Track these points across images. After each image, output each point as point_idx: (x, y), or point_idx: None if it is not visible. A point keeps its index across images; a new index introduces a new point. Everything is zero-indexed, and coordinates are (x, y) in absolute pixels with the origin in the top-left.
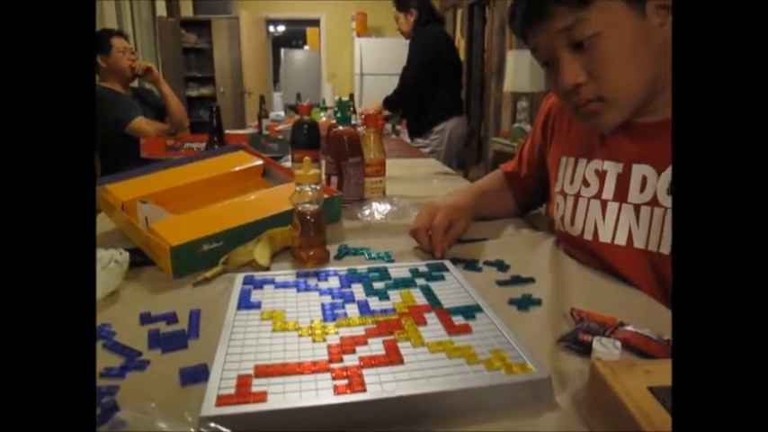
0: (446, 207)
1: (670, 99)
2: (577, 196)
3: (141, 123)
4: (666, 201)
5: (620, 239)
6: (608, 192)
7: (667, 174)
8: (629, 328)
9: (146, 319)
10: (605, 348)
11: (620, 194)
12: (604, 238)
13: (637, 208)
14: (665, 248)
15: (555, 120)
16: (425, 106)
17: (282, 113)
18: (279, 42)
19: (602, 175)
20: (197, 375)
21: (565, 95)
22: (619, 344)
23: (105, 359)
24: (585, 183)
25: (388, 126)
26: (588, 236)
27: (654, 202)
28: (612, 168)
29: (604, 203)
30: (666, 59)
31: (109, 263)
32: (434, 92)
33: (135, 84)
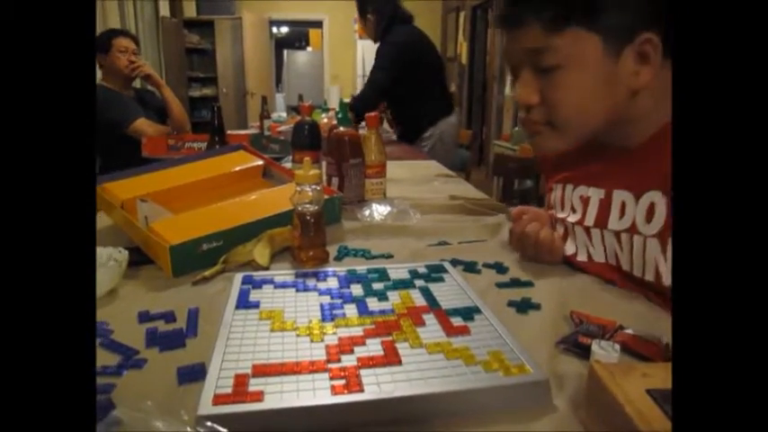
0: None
1: (642, 126)
2: (564, 221)
3: (143, 125)
4: (645, 228)
5: (612, 262)
6: (590, 218)
7: (645, 200)
8: (628, 331)
9: (144, 317)
10: (604, 351)
11: (601, 221)
12: (598, 258)
13: (617, 235)
14: (650, 275)
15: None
16: (412, 113)
17: (284, 114)
18: (282, 43)
19: (585, 202)
20: (194, 374)
21: (519, 107)
22: (618, 347)
23: (102, 357)
24: (573, 209)
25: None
26: (582, 257)
27: (633, 229)
28: (595, 195)
29: (587, 230)
30: (635, 102)
31: (107, 261)
32: (419, 97)
33: (138, 84)
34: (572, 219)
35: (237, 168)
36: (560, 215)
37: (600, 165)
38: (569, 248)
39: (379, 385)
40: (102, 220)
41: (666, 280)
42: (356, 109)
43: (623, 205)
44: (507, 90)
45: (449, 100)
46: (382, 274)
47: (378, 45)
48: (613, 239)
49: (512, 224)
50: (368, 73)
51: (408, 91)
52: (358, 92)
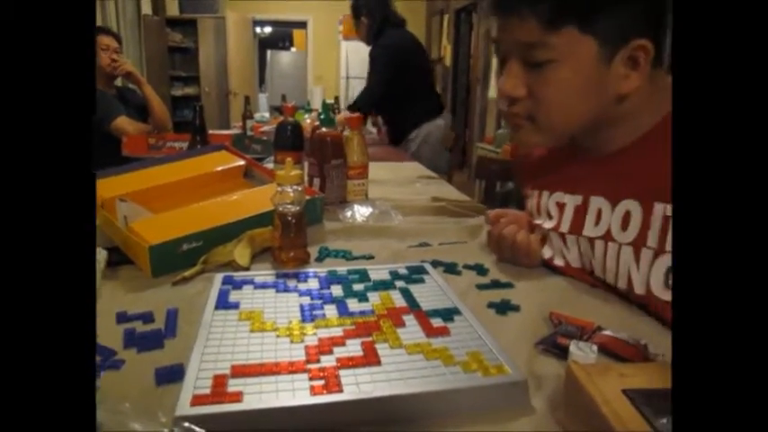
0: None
1: (623, 133)
2: (540, 228)
3: (123, 123)
4: (620, 236)
5: (587, 267)
6: (565, 225)
7: (620, 207)
8: (606, 332)
9: (122, 318)
10: (582, 352)
11: (576, 227)
12: (575, 263)
13: (591, 241)
14: (623, 283)
15: (523, 159)
16: (399, 115)
17: (267, 115)
18: (265, 43)
19: (561, 208)
20: (173, 375)
21: (501, 99)
22: (595, 348)
23: None
24: (549, 215)
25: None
26: (559, 262)
27: (608, 236)
28: (571, 201)
29: (563, 236)
30: (619, 108)
31: None
32: (406, 99)
33: (119, 83)
34: (548, 225)
35: (219, 168)
36: (537, 221)
37: (577, 170)
38: (546, 252)
39: (358, 385)
40: None
41: (638, 289)
42: (358, 109)
43: (599, 212)
44: (491, 93)
45: (437, 102)
46: (363, 276)
47: (370, 48)
48: (588, 246)
49: (489, 227)
50: (351, 74)
51: (396, 93)
52: (357, 95)
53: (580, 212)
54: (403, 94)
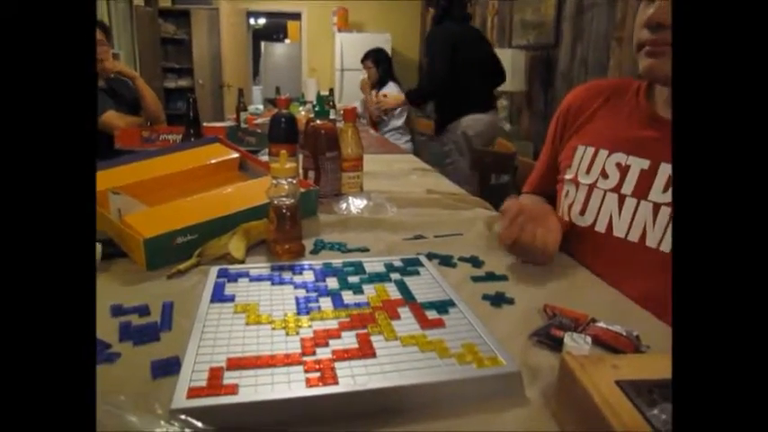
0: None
1: None
2: (593, 187)
3: (112, 118)
4: None
5: (634, 236)
6: (628, 187)
7: None
8: (600, 324)
9: (117, 311)
10: (576, 343)
11: (642, 191)
12: (618, 232)
13: (656, 207)
14: (667, 247)
15: (577, 111)
16: (445, 102)
17: (261, 107)
18: (259, 35)
19: (624, 170)
20: (169, 368)
21: (646, 28)
22: (589, 339)
23: None
24: (604, 174)
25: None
26: (601, 228)
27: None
28: (637, 164)
29: (622, 198)
30: None
31: None
32: (453, 87)
33: (111, 75)
34: (604, 185)
35: (213, 161)
36: (585, 180)
37: (651, 135)
38: (588, 219)
39: (353, 378)
40: None
41: None
42: (415, 98)
43: (670, 179)
44: None
45: (486, 98)
46: (358, 268)
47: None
48: (649, 212)
49: (502, 229)
50: (346, 66)
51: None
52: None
53: (646, 177)
54: (453, 82)
